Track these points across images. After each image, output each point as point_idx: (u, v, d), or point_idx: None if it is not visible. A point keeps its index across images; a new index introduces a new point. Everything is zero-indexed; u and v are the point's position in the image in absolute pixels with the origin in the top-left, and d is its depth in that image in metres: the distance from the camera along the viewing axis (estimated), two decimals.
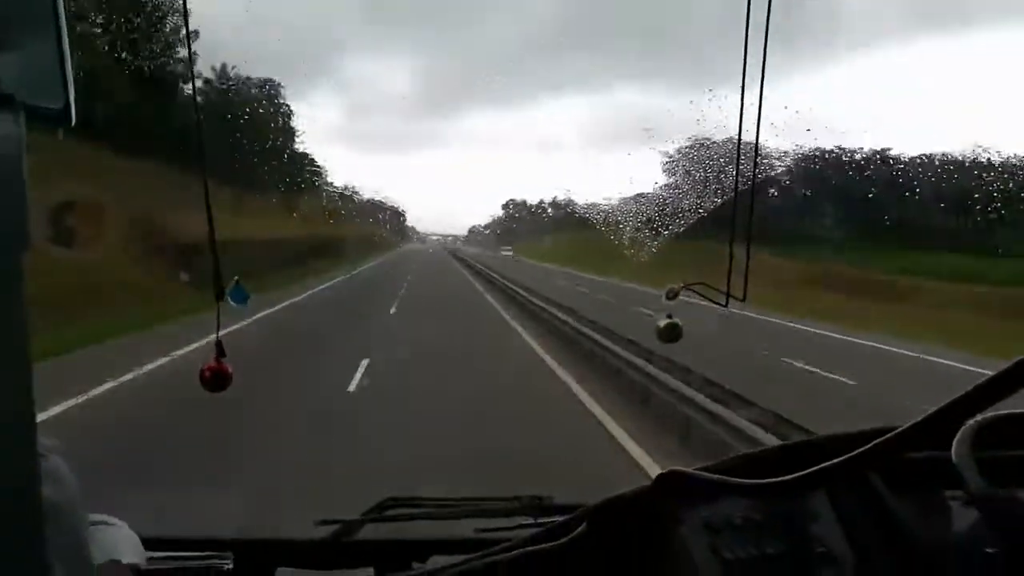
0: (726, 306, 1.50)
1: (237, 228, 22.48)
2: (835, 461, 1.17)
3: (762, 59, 1.32)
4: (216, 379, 1.46)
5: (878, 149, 39.39)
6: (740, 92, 1.34)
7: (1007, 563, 1.02)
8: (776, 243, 37.77)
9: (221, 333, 1.51)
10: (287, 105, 42.63)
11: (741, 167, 1.49)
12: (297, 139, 44.08)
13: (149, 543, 1.41)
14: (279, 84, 41.51)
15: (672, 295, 1.53)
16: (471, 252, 77.25)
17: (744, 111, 1.36)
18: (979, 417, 1.08)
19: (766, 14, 1.25)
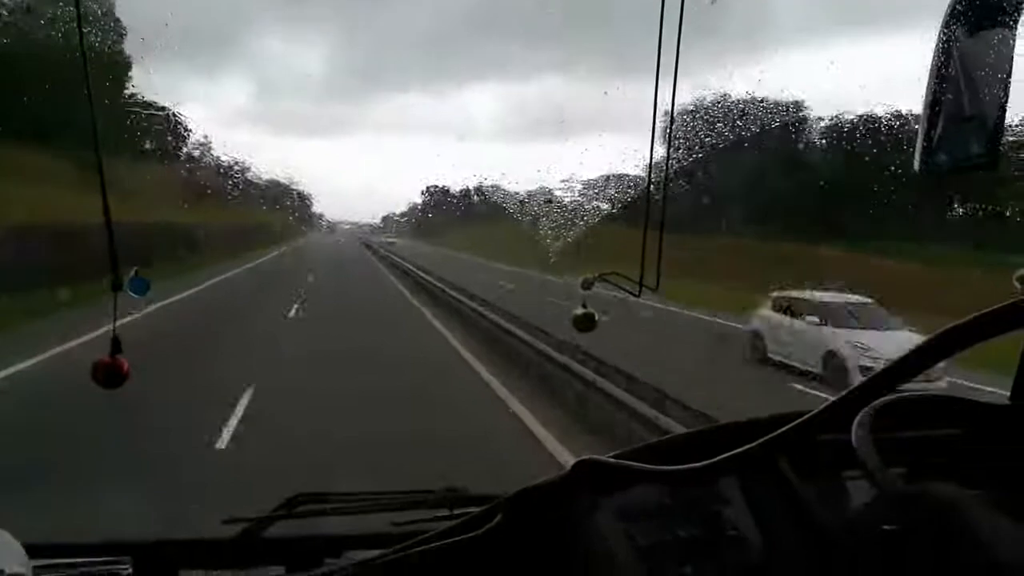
0: (638, 296, 1.52)
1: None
2: (745, 448, 1.21)
3: (676, 48, 1.34)
4: (110, 375, 1.39)
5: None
6: (655, 81, 1.36)
7: (903, 539, 1.07)
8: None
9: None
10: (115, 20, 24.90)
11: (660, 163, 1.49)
12: (131, 79, 25.69)
13: (38, 550, 1.32)
14: None
15: (587, 285, 1.55)
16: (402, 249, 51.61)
17: (661, 100, 1.37)
18: (878, 401, 1.13)
19: (680, 4, 1.28)
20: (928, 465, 1.12)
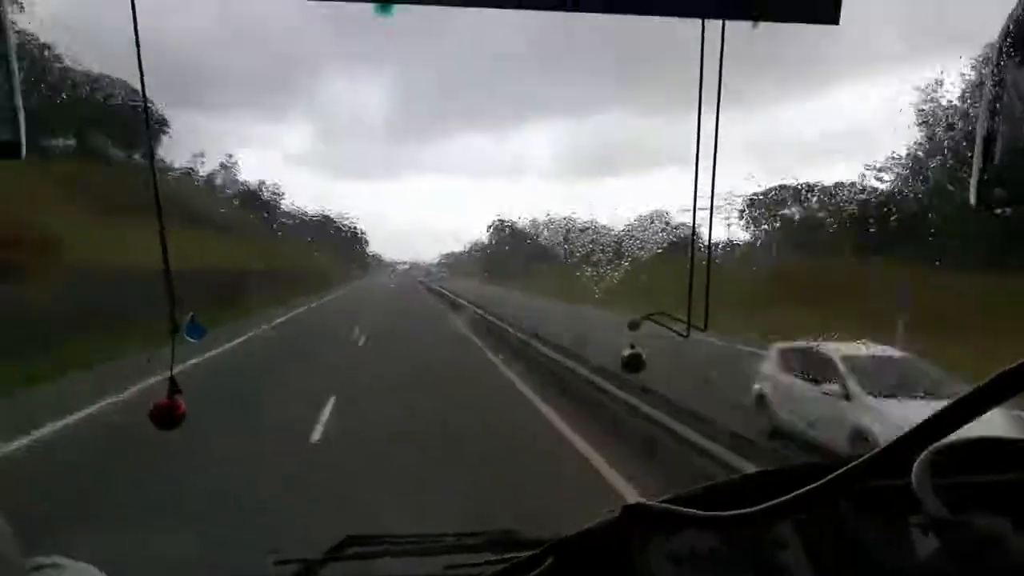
0: (686, 336, 1.50)
1: None
2: (801, 491, 1.18)
3: (718, 81, 1.34)
4: (168, 416, 1.42)
5: None
6: (697, 114, 1.36)
7: None
8: None
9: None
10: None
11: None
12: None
13: None
14: None
15: (634, 326, 1.55)
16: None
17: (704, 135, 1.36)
18: (937, 444, 1.10)
19: (720, 40, 1.28)
20: (993, 512, 1.07)
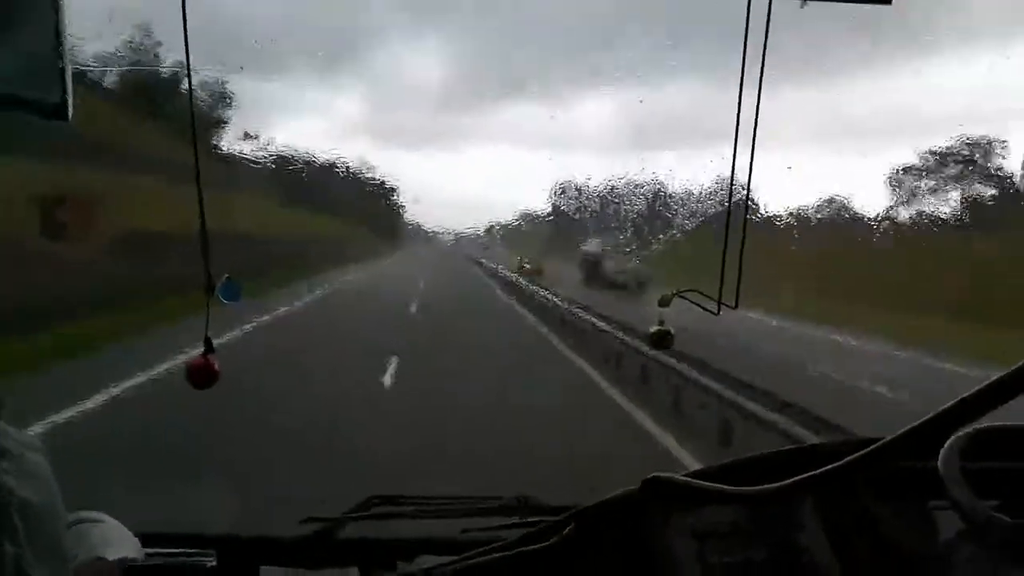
0: (717, 314, 1.49)
1: None
2: (822, 470, 1.18)
3: (762, 58, 1.32)
4: (203, 375, 1.45)
5: None
6: (739, 89, 1.33)
7: (993, 573, 1.02)
8: None
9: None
10: None
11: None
12: None
13: (144, 539, 1.41)
14: None
15: (664, 302, 1.54)
16: None
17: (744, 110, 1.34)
18: (966, 429, 1.09)
19: (767, 14, 1.25)
20: (1021, 500, 1.06)
